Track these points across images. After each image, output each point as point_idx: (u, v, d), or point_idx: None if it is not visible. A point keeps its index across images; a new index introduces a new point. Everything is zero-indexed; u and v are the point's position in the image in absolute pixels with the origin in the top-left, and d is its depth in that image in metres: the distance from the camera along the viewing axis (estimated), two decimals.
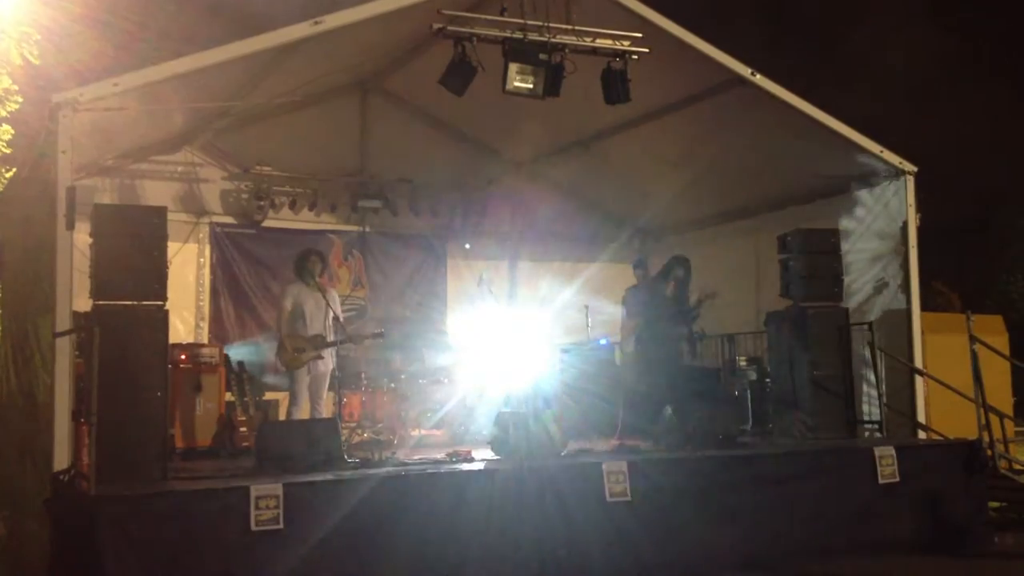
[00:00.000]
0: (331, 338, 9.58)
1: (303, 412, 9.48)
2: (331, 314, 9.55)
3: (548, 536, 7.13)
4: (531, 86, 8.70)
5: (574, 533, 7.19)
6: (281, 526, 6.41)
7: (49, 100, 7.40)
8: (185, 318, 11.37)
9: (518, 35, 8.61)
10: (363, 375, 10.85)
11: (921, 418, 9.89)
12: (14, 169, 12.82)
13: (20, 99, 14.45)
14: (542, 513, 7.16)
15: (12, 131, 14.26)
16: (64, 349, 7.08)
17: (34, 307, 7.98)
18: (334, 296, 9.80)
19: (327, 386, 9.69)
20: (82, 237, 7.45)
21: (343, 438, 8.36)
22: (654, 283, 9.90)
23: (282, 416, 9.95)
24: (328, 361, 9.65)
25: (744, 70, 9.49)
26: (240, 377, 10.12)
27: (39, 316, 7.69)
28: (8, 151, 14.30)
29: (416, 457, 8.51)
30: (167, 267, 7.59)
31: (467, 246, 10.34)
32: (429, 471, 7.42)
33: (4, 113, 14.31)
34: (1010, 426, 10.67)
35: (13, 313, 9.37)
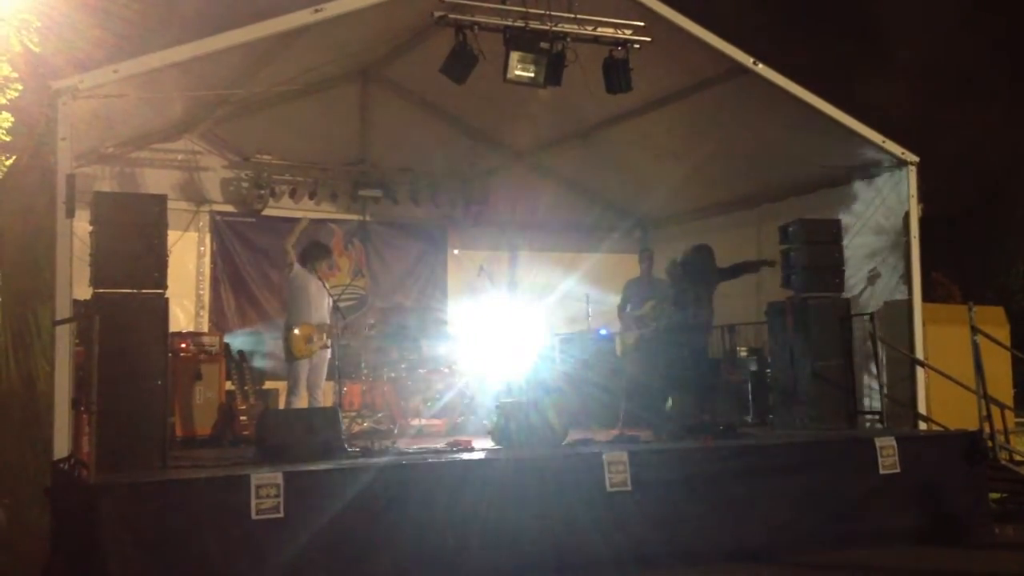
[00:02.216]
0: (332, 325, 9.55)
1: (302, 401, 9.45)
2: (330, 302, 9.55)
3: (548, 526, 7.13)
4: (532, 75, 8.68)
5: (574, 523, 7.18)
6: (281, 515, 6.41)
7: (49, 87, 7.38)
8: (185, 307, 11.37)
9: (519, 24, 8.59)
10: (363, 364, 10.83)
11: (922, 409, 9.88)
12: (14, 157, 12.79)
13: (20, 87, 14.40)
14: (542, 503, 7.16)
15: (12, 119, 14.23)
16: (64, 337, 7.07)
17: (34, 295, 7.97)
18: (327, 288, 9.78)
19: (325, 375, 9.67)
20: (82, 225, 7.44)
21: (343, 427, 8.36)
22: (673, 272, 9.80)
23: (281, 405, 9.93)
24: (328, 350, 9.64)
25: (746, 59, 9.45)
26: (240, 366, 10.12)
27: (39, 304, 7.68)
28: (8, 139, 14.27)
29: (416, 446, 8.51)
30: (167, 255, 7.59)
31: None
32: (429, 460, 7.42)
33: (4, 101, 14.27)
34: (1011, 417, 10.67)
35: (13, 301, 9.36)
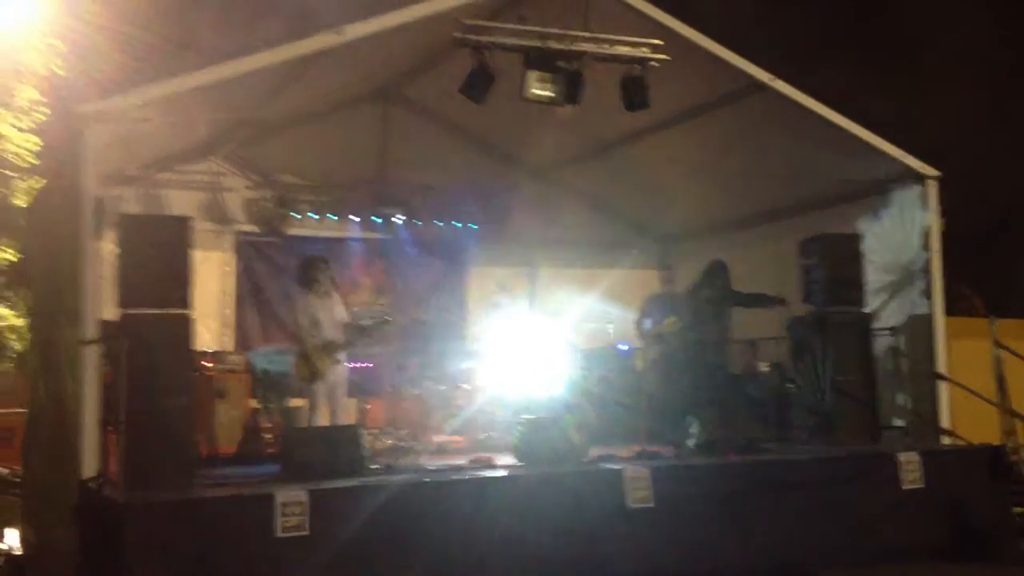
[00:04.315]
0: (340, 341, 9.58)
1: (322, 419, 9.48)
2: (340, 316, 9.59)
3: (569, 542, 7.15)
4: (551, 94, 8.74)
5: (596, 540, 7.20)
6: (307, 532, 6.47)
7: (74, 111, 7.50)
8: (210, 326, 11.45)
9: (537, 43, 8.65)
10: (385, 381, 10.89)
11: (945, 423, 9.83)
12: (41, 180, 12.98)
13: (46, 110, 14.58)
14: (564, 519, 7.18)
15: (39, 142, 14.41)
16: (91, 358, 7.16)
17: (62, 316, 8.08)
18: (338, 299, 9.82)
19: (345, 391, 9.71)
20: (108, 246, 7.54)
21: (366, 444, 8.41)
22: (696, 289, 9.79)
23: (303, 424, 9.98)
24: (343, 366, 9.66)
25: (763, 75, 9.49)
26: (265, 384, 10.19)
27: (67, 325, 7.78)
28: (36, 162, 14.45)
29: (438, 463, 8.55)
30: (192, 276, 7.68)
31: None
32: (451, 477, 7.47)
33: (31, 124, 14.45)
34: None
35: (42, 322, 9.48)
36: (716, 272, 9.69)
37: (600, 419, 10.78)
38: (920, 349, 10.05)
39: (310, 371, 9.30)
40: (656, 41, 8.99)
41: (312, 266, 9.69)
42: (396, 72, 11.19)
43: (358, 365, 9.85)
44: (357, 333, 9.58)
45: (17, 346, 14.43)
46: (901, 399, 9.90)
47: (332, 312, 9.57)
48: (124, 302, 7.43)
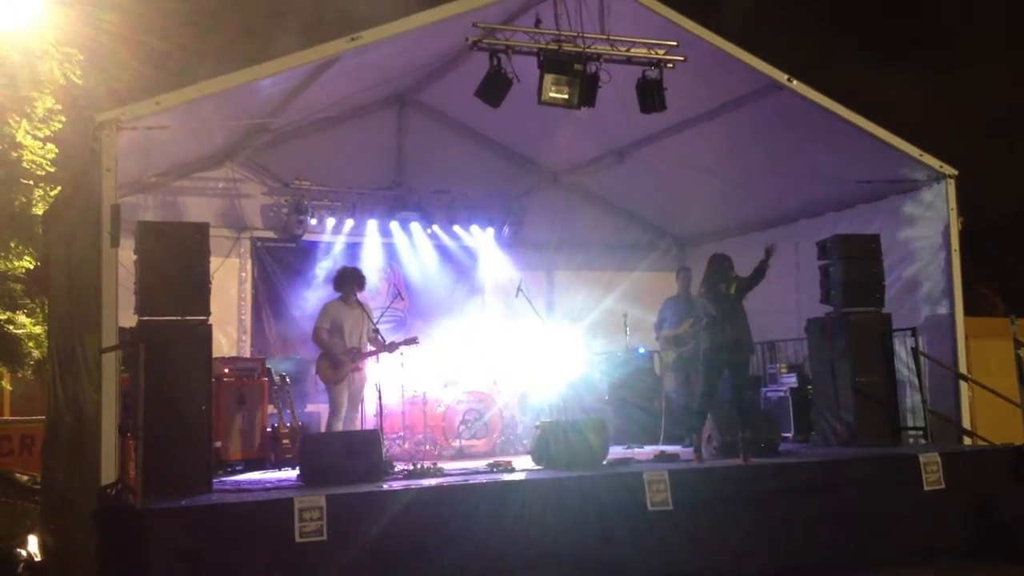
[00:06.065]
0: (367, 350, 9.66)
1: (341, 424, 9.53)
2: (368, 327, 9.65)
3: (589, 546, 7.12)
4: (566, 96, 8.72)
5: (615, 542, 7.18)
6: (325, 537, 6.46)
7: (91, 119, 7.52)
8: (228, 332, 11.48)
9: (553, 46, 8.65)
10: (403, 386, 10.89)
11: (966, 424, 9.77)
12: (59, 188, 13.04)
13: (63, 119, 14.64)
14: (583, 523, 7.16)
15: (56, 150, 14.47)
16: (110, 365, 7.18)
17: (80, 323, 8.11)
18: (370, 310, 9.89)
19: (362, 398, 9.75)
20: (126, 254, 7.58)
21: (385, 449, 8.41)
22: (710, 290, 9.67)
23: (323, 428, 10.01)
24: (365, 373, 9.71)
25: (780, 76, 9.45)
26: (283, 389, 10.21)
27: (85, 332, 7.81)
28: (52, 170, 14.51)
29: (457, 467, 8.54)
30: (210, 282, 7.70)
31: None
32: (470, 481, 7.46)
33: (48, 132, 14.51)
34: None
35: (60, 330, 9.52)
36: (720, 263, 9.51)
37: (618, 422, 10.77)
38: (940, 349, 9.98)
39: (332, 375, 9.39)
40: (672, 43, 8.96)
41: (348, 276, 9.87)
42: (412, 77, 11.20)
43: (378, 370, 9.84)
44: (383, 346, 9.66)
45: (36, 353, 14.48)
46: (921, 400, 9.83)
47: (359, 322, 9.68)
48: (142, 309, 7.46)
